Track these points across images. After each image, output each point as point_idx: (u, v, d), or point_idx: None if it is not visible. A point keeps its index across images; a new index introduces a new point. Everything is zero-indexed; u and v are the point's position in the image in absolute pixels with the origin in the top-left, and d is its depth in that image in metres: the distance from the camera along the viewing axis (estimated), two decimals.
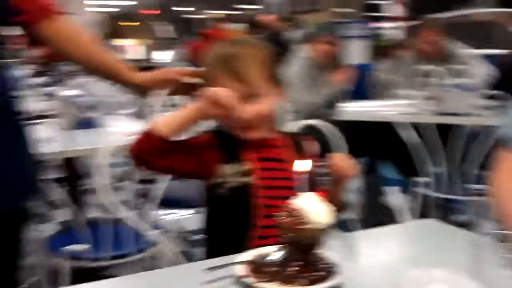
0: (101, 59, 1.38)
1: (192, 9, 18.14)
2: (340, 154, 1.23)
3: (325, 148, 1.72)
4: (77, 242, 1.77)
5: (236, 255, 0.97)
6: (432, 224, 1.28)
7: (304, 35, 3.60)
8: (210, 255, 1.27)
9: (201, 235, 1.27)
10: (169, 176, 1.51)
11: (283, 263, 0.92)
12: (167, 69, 1.47)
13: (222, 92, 1.14)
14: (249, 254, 0.97)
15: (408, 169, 3.19)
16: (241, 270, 0.90)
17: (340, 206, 1.30)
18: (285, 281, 0.86)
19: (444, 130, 2.49)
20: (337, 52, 3.58)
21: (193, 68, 1.41)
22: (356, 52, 6.22)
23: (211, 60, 1.24)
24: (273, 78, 1.26)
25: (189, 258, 2.93)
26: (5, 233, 1.28)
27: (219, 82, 1.19)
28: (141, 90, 1.41)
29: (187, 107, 1.19)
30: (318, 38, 3.41)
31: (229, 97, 1.14)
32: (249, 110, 1.21)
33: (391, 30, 6.58)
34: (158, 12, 16.96)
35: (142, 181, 2.50)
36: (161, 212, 3.38)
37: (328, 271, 0.89)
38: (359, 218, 3.46)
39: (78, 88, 3.19)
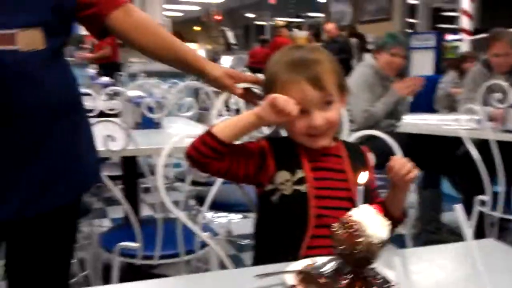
0: (178, 48, 1.36)
1: (254, 15, 18.34)
2: (399, 157, 1.19)
3: (383, 160, 1.68)
4: (130, 240, 1.80)
5: (286, 263, 0.95)
6: (489, 244, 1.23)
7: (374, 44, 3.52)
8: (258, 261, 1.26)
9: (250, 240, 1.25)
10: (222, 180, 1.51)
11: (334, 275, 0.90)
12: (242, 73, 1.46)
13: (284, 100, 1.12)
14: (300, 264, 0.95)
15: (466, 186, 3.09)
16: (291, 279, 0.88)
17: (399, 213, 1.26)
18: None
19: (506, 148, 2.39)
20: (403, 63, 3.50)
21: (258, 75, 1.38)
22: (422, 64, 6.11)
23: (285, 65, 1.21)
24: (341, 85, 1.24)
25: (237, 262, 2.96)
26: (65, 225, 1.32)
27: (292, 88, 1.17)
28: (218, 84, 1.38)
29: (248, 112, 1.18)
30: (387, 48, 3.31)
31: (291, 105, 1.12)
32: (322, 117, 1.19)
33: (458, 42, 6.41)
34: (221, 18, 17.22)
35: (195, 183, 2.54)
36: (212, 215, 3.43)
37: (380, 287, 0.86)
38: (415, 234, 3.39)
39: (140, 89, 3.29)
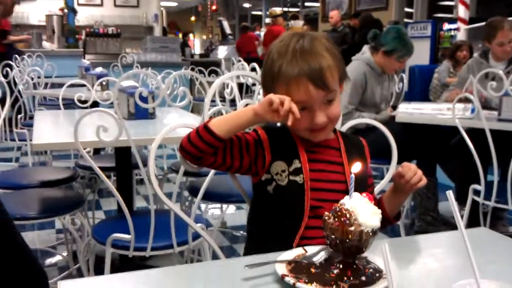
0: None
1: (250, 5, 18.26)
2: (409, 164, 1.17)
3: (378, 150, 1.67)
4: (122, 232, 1.80)
5: (277, 253, 0.95)
6: (482, 232, 1.22)
7: (371, 34, 3.34)
8: (250, 250, 1.25)
9: (244, 232, 1.24)
10: (215, 170, 1.49)
11: (325, 265, 0.90)
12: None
13: (282, 101, 1.08)
14: (291, 253, 0.95)
15: (460, 175, 3.09)
16: (281, 269, 0.88)
17: (394, 214, 1.25)
18: (325, 283, 0.83)
19: (500, 137, 2.38)
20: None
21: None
22: (418, 53, 6.07)
23: (287, 60, 1.15)
24: (342, 77, 1.21)
25: (231, 253, 2.97)
26: None
27: (295, 85, 1.14)
28: None
29: (246, 108, 1.16)
30: (395, 55, 3.17)
31: (289, 105, 1.08)
32: (324, 114, 1.16)
33: (455, 31, 6.38)
34: (216, 8, 17.15)
35: (189, 174, 2.53)
36: (206, 205, 3.43)
37: (371, 276, 0.86)
38: (408, 224, 3.40)
39: (134, 80, 3.27)
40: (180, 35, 13.29)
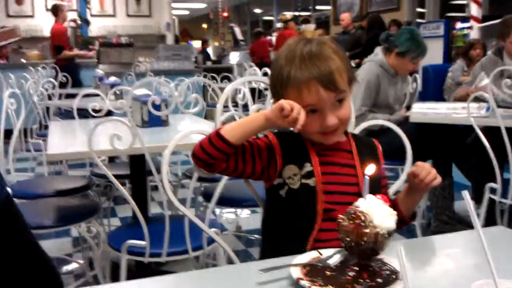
0: None
1: (261, 11, 18.30)
2: (424, 164, 1.16)
3: (393, 151, 1.66)
4: (138, 238, 1.80)
5: (292, 257, 0.94)
6: (499, 231, 1.21)
7: (383, 36, 3.30)
8: (264, 255, 1.25)
9: (259, 235, 1.24)
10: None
11: (340, 268, 0.89)
12: None
13: (292, 107, 1.08)
14: (306, 257, 0.94)
15: (476, 173, 3.06)
16: (296, 272, 0.87)
17: (409, 214, 1.24)
18: (341, 286, 0.82)
19: None
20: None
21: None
22: (431, 53, 6.04)
23: (296, 64, 1.16)
24: (351, 79, 1.21)
25: (246, 257, 2.96)
26: None
27: (305, 88, 1.14)
28: None
29: (257, 114, 1.16)
30: (409, 55, 3.13)
31: (298, 113, 1.08)
32: (335, 116, 1.16)
33: (468, 30, 6.34)
34: (228, 14, 17.21)
35: (202, 179, 2.53)
36: (219, 210, 3.43)
37: (387, 278, 0.85)
38: (424, 224, 3.37)
39: (147, 88, 3.29)
40: (194, 43, 13.40)
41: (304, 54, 1.16)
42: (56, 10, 7.47)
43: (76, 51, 7.83)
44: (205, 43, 13.88)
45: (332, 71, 1.14)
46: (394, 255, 0.90)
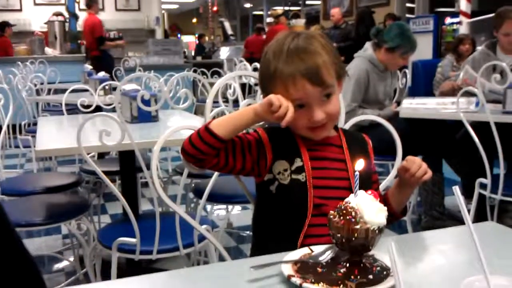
0: None
1: (251, 5, 18.25)
2: (414, 158, 1.16)
3: (384, 146, 1.66)
4: (128, 235, 1.79)
5: (283, 253, 0.94)
6: (489, 226, 1.21)
7: (374, 31, 3.29)
8: (256, 251, 1.25)
9: (249, 232, 1.24)
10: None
11: (331, 264, 0.89)
12: None
13: (280, 102, 1.08)
14: (297, 253, 0.94)
15: (466, 169, 3.07)
16: (288, 269, 0.87)
17: (400, 209, 1.24)
18: (332, 282, 0.82)
19: (505, 130, 2.36)
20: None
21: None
22: (421, 48, 6.07)
23: (283, 59, 1.15)
24: (340, 74, 1.21)
25: (237, 254, 2.96)
26: None
27: (291, 83, 1.13)
28: None
29: (246, 108, 1.15)
30: (399, 51, 3.13)
31: (285, 109, 1.08)
32: (322, 111, 1.15)
33: (457, 25, 6.36)
34: (217, 9, 17.15)
35: (192, 176, 2.52)
36: (210, 207, 3.42)
37: (378, 274, 0.85)
38: (415, 220, 3.38)
39: (136, 83, 3.27)
40: (184, 38, 13.32)
41: (291, 49, 1.16)
42: (91, 2, 7.68)
43: (116, 42, 8.16)
44: (202, 37, 13.78)
45: (318, 66, 1.14)
46: (385, 251, 0.90)
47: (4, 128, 2.86)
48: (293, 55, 1.15)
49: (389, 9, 8.93)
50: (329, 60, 1.16)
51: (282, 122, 1.08)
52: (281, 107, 1.08)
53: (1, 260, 1.37)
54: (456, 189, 0.75)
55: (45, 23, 9.36)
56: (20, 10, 10.78)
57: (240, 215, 3.63)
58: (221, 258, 1.45)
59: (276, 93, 1.13)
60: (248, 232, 3.27)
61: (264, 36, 9.73)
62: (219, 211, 3.76)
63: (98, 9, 7.96)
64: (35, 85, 4.49)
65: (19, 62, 5.68)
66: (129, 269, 2.29)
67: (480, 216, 2.54)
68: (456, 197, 0.74)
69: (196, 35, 14.30)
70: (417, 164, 1.14)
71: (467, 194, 2.63)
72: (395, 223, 1.22)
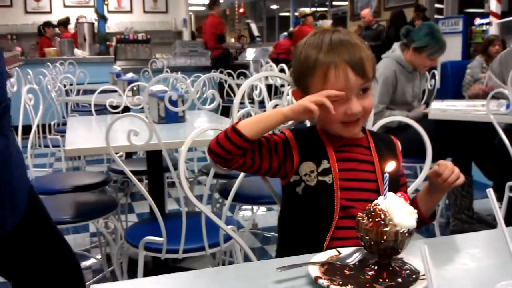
0: None
1: (277, 7, 18.24)
2: (446, 163, 1.13)
3: (412, 148, 1.64)
4: (155, 234, 1.80)
5: (309, 255, 0.93)
6: None
7: (404, 31, 3.26)
8: (281, 252, 1.24)
9: (275, 233, 1.23)
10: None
11: (359, 266, 0.88)
12: None
13: (319, 102, 1.09)
14: (324, 255, 0.93)
15: (496, 172, 3.01)
16: (315, 271, 0.86)
17: (429, 213, 1.21)
18: (360, 285, 0.81)
19: None
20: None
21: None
22: (450, 49, 5.98)
23: (325, 48, 1.14)
24: (373, 73, 1.20)
25: (262, 255, 2.95)
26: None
27: (334, 71, 1.13)
28: None
29: (275, 110, 1.15)
30: (427, 51, 3.09)
31: (321, 100, 1.09)
32: (360, 104, 1.15)
33: (487, 26, 6.25)
34: (243, 11, 17.18)
35: (218, 176, 2.53)
36: (236, 207, 3.43)
37: (407, 278, 0.83)
38: (443, 223, 3.33)
39: (164, 84, 3.29)
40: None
41: (335, 39, 1.16)
42: (214, 3, 8.05)
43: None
44: (239, 38, 13.74)
45: (362, 57, 1.14)
46: (414, 255, 0.89)
47: (34, 127, 2.90)
48: (338, 45, 1.15)
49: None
50: (370, 55, 1.17)
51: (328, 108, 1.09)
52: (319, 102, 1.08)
53: (47, 249, 1.41)
54: (490, 192, 0.73)
55: (74, 25, 9.51)
56: (50, 12, 10.98)
57: (266, 216, 3.63)
58: (246, 259, 1.45)
59: (314, 86, 1.13)
60: (273, 233, 3.26)
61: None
62: (244, 211, 3.76)
63: (220, 10, 8.30)
64: (65, 86, 4.56)
65: (49, 63, 5.78)
66: (155, 267, 2.31)
67: (509, 220, 2.49)
68: (488, 200, 0.72)
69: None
70: (450, 169, 1.11)
71: (497, 197, 2.58)
72: (423, 227, 1.19)
